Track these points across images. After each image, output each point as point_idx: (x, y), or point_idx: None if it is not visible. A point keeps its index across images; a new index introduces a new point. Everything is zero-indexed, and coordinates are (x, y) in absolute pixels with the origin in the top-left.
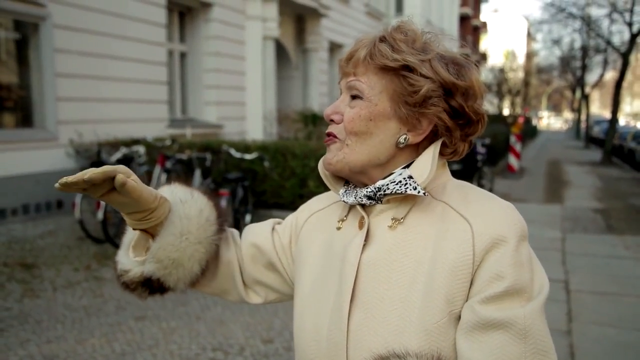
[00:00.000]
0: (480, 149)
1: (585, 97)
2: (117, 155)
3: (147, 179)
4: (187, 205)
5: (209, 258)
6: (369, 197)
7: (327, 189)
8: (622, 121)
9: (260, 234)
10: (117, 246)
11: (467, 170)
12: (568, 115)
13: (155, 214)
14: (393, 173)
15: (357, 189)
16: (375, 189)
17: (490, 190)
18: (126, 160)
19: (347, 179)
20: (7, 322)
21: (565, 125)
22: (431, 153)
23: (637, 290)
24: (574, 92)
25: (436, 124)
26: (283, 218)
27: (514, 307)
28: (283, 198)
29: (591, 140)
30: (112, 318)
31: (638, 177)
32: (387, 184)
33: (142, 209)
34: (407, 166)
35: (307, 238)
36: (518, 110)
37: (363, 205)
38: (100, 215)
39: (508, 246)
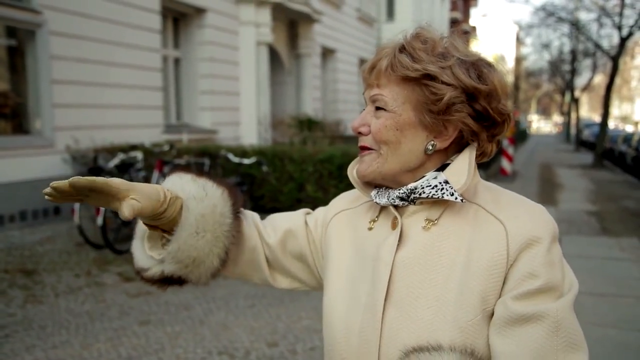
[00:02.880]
0: None
1: (575, 101)
2: (115, 161)
3: None
4: (202, 203)
5: (229, 249)
6: (402, 199)
7: (325, 195)
8: (611, 124)
9: (293, 223)
10: (116, 252)
11: None
12: (557, 118)
13: (166, 214)
14: (425, 176)
15: (389, 190)
16: (408, 190)
17: None
18: (124, 166)
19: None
20: (12, 327)
21: (555, 128)
22: (467, 158)
23: (635, 292)
24: (563, 95)
25: (461, 129)
26: None
27: (546, 302)
28: (281, 202)
29: (581, 144)
30: (116, 323)
31: (629, 180)
32: (423, 188)
33: (150, 215)
34: (440, 168)
35: (335, 236)
36: None
37: (395, 206)
38: (100, 220)
39: (541, 246)
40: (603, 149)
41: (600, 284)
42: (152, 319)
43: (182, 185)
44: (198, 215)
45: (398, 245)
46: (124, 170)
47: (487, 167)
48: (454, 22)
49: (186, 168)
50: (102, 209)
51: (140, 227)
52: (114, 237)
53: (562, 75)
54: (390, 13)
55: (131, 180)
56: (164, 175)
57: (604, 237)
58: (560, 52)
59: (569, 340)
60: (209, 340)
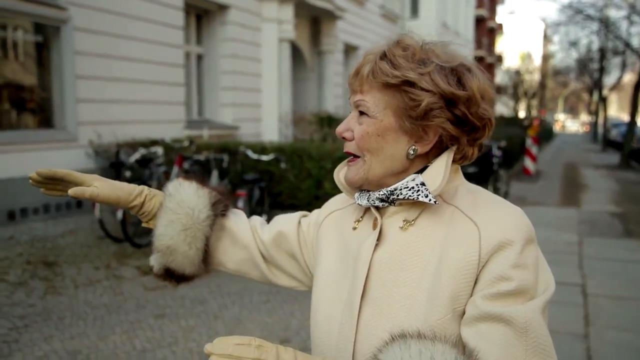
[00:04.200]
0: (496, 152)
1: (603, 100)
2: (136, 156)
3: (165, 179)
4: (170, 198)
5: (210, 241)
6: (382, 200)
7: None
8: None
9: (287, 224)
10: (135, 245)
11: (483, 173)
12: (585, 118)
13: (145, 209)
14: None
15: (370, 192)
16: (387, 192)
17: (506, 193)
18: (144, 161)
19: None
20: (31, 318)
21: (583, 127)
22: (444, 161)
23: None
24: (591, 94)
25: (441, 134)
26: None
27: (516, 304)
28: (299, 199)
29: (609, 144)
30: (132, 316)
31: None
32: (400, 189)
33: (124, 207)
34: (420, 170)
35: (325, 236)
36: (534, 112)
37: (377, 207)
38: (119, 215)
39: (513, 249)
40: (630, 149)
41: (620, 287)
42: (168, 313)
43: (167, 185)
44: (166, 208)
45: (377, 245)
46: (145, 164)
47: (510, 167)
48: (479, 20)
49: (202, 164)
50: None
51: None
52: (134, 231)
53: (590, 74)
54: (415, 10)
55: (151, 174)
56: (184, 171)
57: (626, 240)
58: (589, 50)
59: (537, 343)
60: (222, 334)
